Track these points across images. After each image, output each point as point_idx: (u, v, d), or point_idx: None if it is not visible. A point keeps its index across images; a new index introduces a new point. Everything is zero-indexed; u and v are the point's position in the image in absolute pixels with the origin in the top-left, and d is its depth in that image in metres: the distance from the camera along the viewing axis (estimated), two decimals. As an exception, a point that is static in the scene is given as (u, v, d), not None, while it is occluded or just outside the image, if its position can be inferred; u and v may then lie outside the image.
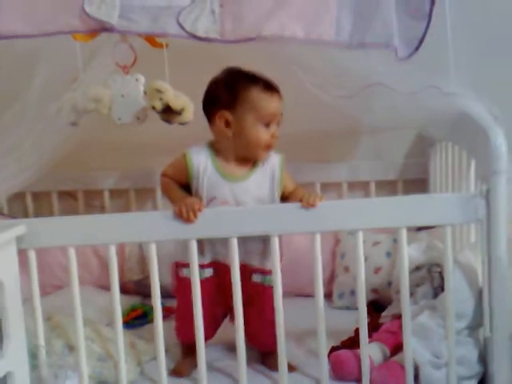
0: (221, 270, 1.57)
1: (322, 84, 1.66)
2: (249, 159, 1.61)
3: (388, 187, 2.35)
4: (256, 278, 1.61)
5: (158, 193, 2.42)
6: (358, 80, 1.62)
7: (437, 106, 1.63)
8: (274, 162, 1.62)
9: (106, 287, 2.18)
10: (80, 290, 1.50)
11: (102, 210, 2.46)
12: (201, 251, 1.57)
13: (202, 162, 1.59)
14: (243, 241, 1.54)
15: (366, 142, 2.39)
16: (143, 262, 2.27)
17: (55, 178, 2.31)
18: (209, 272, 1.61)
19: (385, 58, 1.52)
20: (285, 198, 1.62)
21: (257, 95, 1.55)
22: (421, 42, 1.50)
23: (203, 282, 1.53)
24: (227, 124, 1.57)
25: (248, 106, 1.55)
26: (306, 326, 1.68)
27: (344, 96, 1.64)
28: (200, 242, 1.56)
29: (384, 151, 2.38)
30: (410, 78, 1.58)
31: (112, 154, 2.34)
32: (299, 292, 2.09)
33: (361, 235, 1.44)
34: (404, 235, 1.43)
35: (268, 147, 1.58)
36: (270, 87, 1.57)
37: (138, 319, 2.00)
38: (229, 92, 1.57)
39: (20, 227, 1.41)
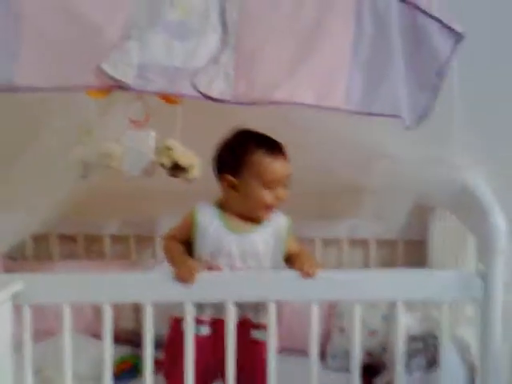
0: (220, 327, 1.54)
1: (328, 150, 1.69)
2: (253, 218, 1.62)
3: (388, 246, 2.37)
4: (253, 333, 1.61)
5: (158, 241, 2.43)
6: (364, 150, 1.65)
7: (439, 178, 1.66)
8: (281, 223, 1.64)
9: (98, 335, 2.17)
10: (72, 339, 1.49)
11: (101, 254, 2.46)
12: (199, 307, 1.56)
13: (208, 215, 1.62)
14: None
15: (366, 200, 2.40)
16: (138, 310, 2.25)
17: (56, 222, 2.31)
18: (205, 330, 1.60)
19: (390, 128, 1.55)
20: (287, 258, 1.63)
21: (260, 160, 1.58)
22: (427, 113, 1.54)
23: (198, 339, 1.52)
24: (232, 186, 1.60)
25: (251, 170, 1.58)
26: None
27: (351, 165, 1.66)
28: None
29: (385, 210, 2.39)
30: (416, 149, 1.61)
31: (114, 201, 2.34)
32: (292, 347, 2.06)
33: (358, 309, 1.45)
34: (401, 309, 1.44)
35: (269, 207, 1.60)
36: (273, 151, 1.59)
37: (126, 373, 1.97)
38: (233, 156, 1.61)
39: (17, 284, 1.40)
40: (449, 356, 1.43)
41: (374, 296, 1.48)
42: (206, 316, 1.59)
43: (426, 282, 1.44)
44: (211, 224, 1.60)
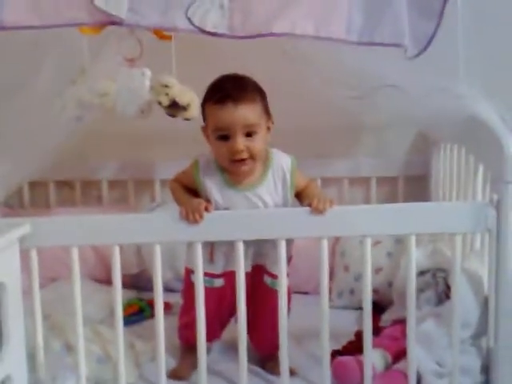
0: (233, 278, 1.50)
1: (331, 82, 1.63)
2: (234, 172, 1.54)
3: (389, 184, 2.34)
4: (266, 279, 1.59)
5: (157, 184, 2.40)
6: (368, 81, 1.59)
7: (446, 109, 1.61)
8: (284, 164, 1.57)
9: (101, 280, 2.18)
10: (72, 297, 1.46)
11: (99, 200, 2.43)
12: (210, 259, 1.54)
13: (209, 176, 1.55)
14: (258, 243, 1.53)
15: (367, 137, 2.38)
16: (140, 255, 2.24)
17: (53, 168, 2.26)
18: (219, 282, 1.58)
19: (395, 58, 1.49)
20: (296, 195, 1.59)
21: (209, 109, 1.50)
22: (430, 41, 1.48)
23: (212, 291, 1.51)
24: (207, 139, 1.54)
25: (207, 121, 1.53)
26: (305, 325, 1.66)
27: (354, 97, 1.61)
28: (210, 250, 1.54)
29: (385, 147, 2.36)
30: (420, 79, 1.56)
31: (111, 145, 2.30)
32: (297, 289, 2.07)
33: (369, 242, 1.42)
34: (413, 243, 1.41)
35: (235, 161, 1.48)
36: (222, 97, 1.46)
37: (134, 315, 1.96)
38: (202, 108, 1.55)
39: (25, 227, 1.37)
40: (461, 288, 1.42)
41: (385, 230, 1.45)
42: (218, 270, 1.57)
43: (439, 215, 1.41)
44: (214, 185, 1.54)
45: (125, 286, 2.14)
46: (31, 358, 1.44)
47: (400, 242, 2.02)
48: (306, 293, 2.12)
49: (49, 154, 1.93)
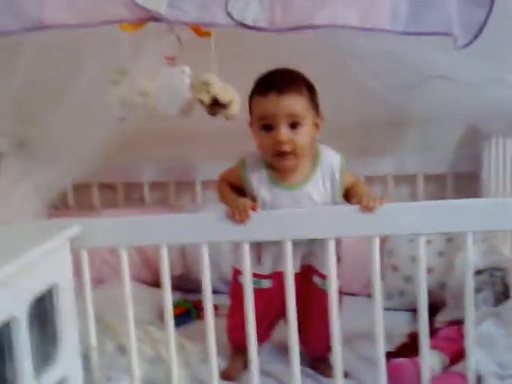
0: (282, 278, 1.46)
1: (377, 75, 1.58)
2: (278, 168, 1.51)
3: (436, 181, 2.26)
4: (316, 280, 1.55)
5: (198, 186, 2.39)
6: (418, 71, 1.53)
7: (499, 100, 1.53)
8: (333, 162, 1.52)
9: (146, 282, 2.18)
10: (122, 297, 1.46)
11: (141, 202, 2.43)
12: (258, 260, 1.52)
13: (256, 174, 1.52)
14: (308, 243, 1.49)
15: (413, 133, 2.29)
16: (184, 256, 2.24)
17: (95, 170, 2.28)
18: (267, 283, 1.55)
19: (445, 48, 1.43)
20: (344, 194, 1.54)
21: (254, 100, 1.48)
22: (481, 29, 1.41)
23: (260, 292, 1.48)
24: (253, 132, 1.51)
25: (251, 112, 1.50)
26: (354, 327, 1.63)
27: (403, 88, 1.55)
28: (257, 251, 1.51)
29: (433, 143, 2.27)
30: (472, 69, 1.50)
31: (152, 146, 2.31)
32: (345, 290, 2.02)
33: (423, 240, 1.36)
34: (470, 241, 1.35)
35: (278, 154, 1.45)
36: (267, 88, 1.44)
37: (180, 317, 1.94)
38: (249, 101, 1.52)
39: (75, 228, 1.37)
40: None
41: (439, 228, 1.37)
42: (267, 271, 1.54)
43: (496, 211, 1.33)
44: (260, 183, 1.51)
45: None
46: (85, 359, 1.44)
47: (451, 240, 1.95)
48: (352, 294, 2.06)
49: (93, 156, 1.93)
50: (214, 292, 1.77)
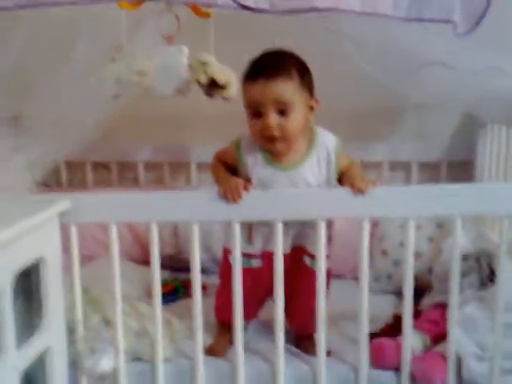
0: (271, 260, 1.48)
1: (375, 60, 1.58)
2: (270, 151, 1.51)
3: (431, 169, 2.28)
4: (306, 259, 1.57)
5: (192, 167, 2.40)
6: (415, 58, 1.53)
7: (496, 88, 1.54)
8: (329, 145, 1.52)
9: (136, 260, 2.20)
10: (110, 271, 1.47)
11: (135, 182, 2.44)
12: (249, 240, 1.53)
13: (251, 154, 1.52)
14: (300, 224, 1.50)
15: (409, 120, 2.31)
16: (176, 236, 2.25)
17: (89, 149, 2.28)
18: (257, 263, 1.56)
19: (443, 34, 1.43)
20: (339, 176, 1.55)
21: (244, 85, 1.47)
22: (481, 17, 1.41)
23: (249, 271, 1.49)
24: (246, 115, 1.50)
25: (243, 96, 1.48)
26: (341, 308, 1.64)
27: (400, 74, 1.55)
28: (248, 231, 1.52)
29: (428, 130, 2.28)
30: (471, 57, 1.50)
31: (147, 127, 2.31)
32: (333, 273, 2.05)
33: (412, 224, 1.37)
34: (459, 225, 1.36)
35: (267, 138, 1.45)
36: (255, 73, 1.43)
37: (168, 295, 1.95)
38: (242, 85, 1.50)
39: (65, 203, 1.38)
40: (506, 272, 1.37)
41: (429, 212, 1.40)
42: (257, 251, 1.55)
43: (486, 196, 1.35)
44: (255, 163, 1.51)
45: (160, 266, 2.18)
46: (70, 331, 1.45)
47: (441, 226, 1.97)
48: (340, 276, 2.08)
49: (85, 133, 1.93)
50: (205, 272, 1.80)
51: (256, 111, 1.43)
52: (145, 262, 2.08)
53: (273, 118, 1.41)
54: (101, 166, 2.45)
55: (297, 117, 1.44)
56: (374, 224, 2.12)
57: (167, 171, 2.42)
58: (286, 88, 1.41)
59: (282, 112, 1.42)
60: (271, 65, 1.43)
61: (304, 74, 1.47)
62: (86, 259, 2.13)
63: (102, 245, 2.13)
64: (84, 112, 1.80)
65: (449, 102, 1.87)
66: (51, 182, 2.40)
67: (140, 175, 2.43)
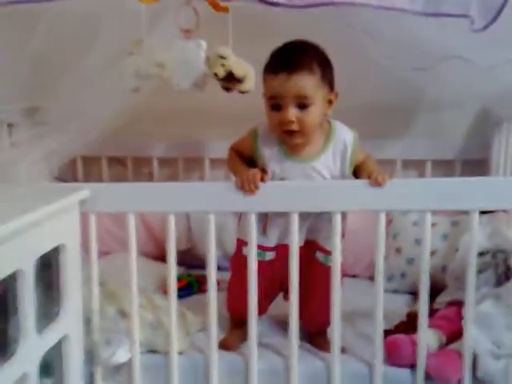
0: (285, 251, 1.49)
1: (392, 55, 1.58)
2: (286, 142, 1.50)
3: (445, 167, 2.26)
4: (319, 255, 1.56)
5: (206, 162, 2.41)
6: (433, 52, 1.53)
7: (509, 80, 1.53)
8: (346, 139, 1.53)
9: (150, 255, 2.21)
10: (125, 258, 1.48)
11: (150, 177, 2.45)
12: (263, 232, 1.53)
13: (267, 145, 1.52)
14: (314, 217, 1.50)
15: (423, 118, 2.28)
16: (190, 232, 2.26)
17: (105, 144, 2.30)
18: (270, 255, 1.56)
19: (460, 29, 1.43)
20: (355, 169, 1.55)
21: (265, 76, 1.47)
22: (499, 12, 1.41)
23: (263, 264, 1.49)
24: (265, 106, 1.50)
25: (264, 89, 1.48)
26: (355, 307, 1.65)
27: (416, 68, 1.55)
28: (263, 223, 1.52)
29: (443, 129, 2.27)
30: (487, 51, 1.50)
31: (162, 123, 2.31)
32: (347, 272, 2.04)
33: (429, 216, 1.37)
34: (476, 219, 1.36)
35: (286, 132, 1.45)
36: (277, 66, 1.43)
37: (182, 290, 1.95)
38: (263, 75, 1.50)
39: (85, 191, 1.40)
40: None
41: (445, 205, 1.39)
42: (271, 243, 1.55)
43: (503, 190, 1.34)
44: (271, 154, 1.51)
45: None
46: (86, 322, 1.46)
47: (457, 224, 1.97)
48: (354, 276, 2.09)
49: (102, 127, 1.95)
50: (218, 268, 1.79)
51: (275, 104, 1.44)
52: (158, 257, 2.12)
53: (292, 113, 1.42)
54: (116, 161, 2.46)
55: (316, 111, 1.44)
56: (388, 222, 2.12)
57: (181, 167, 2.43)
58: (308, 83, 1.41)
59: (302, 106, 1.42)
60: (293, 58, 1.42)
61: (325, 67, 1.47)
62: (101, 254, 2.16)
63: (118, 240, 2.15)
64: (103, 106, 1.81)
65: (465, 97, 1.86)
66: (67, 177, 2.41)
67: (155, 170, 2.44)
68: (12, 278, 1.15)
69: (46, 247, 1.27)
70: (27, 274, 1.18)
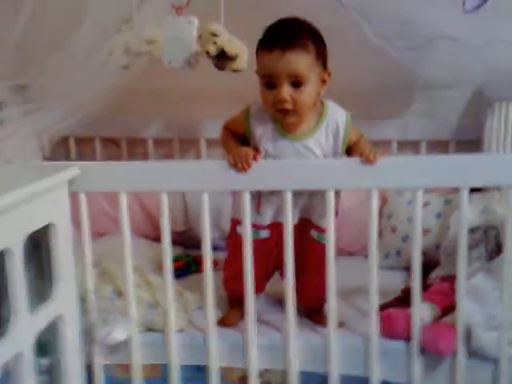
0: (280, 229, 1.49)
1: (385, 34, 1.57)
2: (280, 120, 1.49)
3: (440, 147, 2.26)
4: (313, 234, 1.57)
5: (202, 143, 2.40)
6: (424, 31, 1.52)
7: (506, 62, 1.53)
8: (339, 118, 1.52)
9: (147, 236, 2.21)
10: (122, 241, 1.48)
11: (144, 158, 2.44)
12: (257, 210, 1.53)
13: (260, 124, 1.51)
14: (307, 196, 1.50)
15: (418, 98, 2.28)
16: (186, 213, 2.26)
17: (98, 124, 2.28)
18: (265, 233, 1.57)
19: (452, 8, 1.42)
20: (348, 150, 1.55)
21: (259, 54, 1.45)
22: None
23: (258, 242, 1.50)
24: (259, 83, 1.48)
25: (257, 66, 1.46)
26: (351, 284, 1.65)
27: (408, 47, 1.54)
28: (257, 201, 1.52)
29: (437, 109, 2.26)
30: (480, 30, 1.49)
31: (157, 103, 2.29)
32: (341, 251, 2.04)
33: (420, 195, 1.38)
34: (466, 196, 1.37)
35: (280, 111, 1.44)
36: (273, 42, 1.40)
37: (180, 270, 1.96)
38: (256, 52, 1.48)
39: (73, 170, 1.38)
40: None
41: (437, 182, 1.39)
42: (265, 221, 1.56)
43: (495, 167, 1.35)
44: (264, 132, 1.50)
45: (172, 242, 2.19)
46: (82, 301, 1.47)
47: (449, 202, 1.97)
48: (351, 254, 2.10)
49: (94, 107, 1.93)
50: (216, 249, 1.81)
51: (269, 81, 1.42)
52: (156, 239, 2.11)
53: (286, 91, 1.40)
54: (110, 142, 2.44)
55: (310, 90, 1.43)
56: (383, 202, 2.13)
57: (176, 147, 2.41)
58: (302, 61, 1.40)
59: (296, 84, 1.41)
60: (289, 35, 1.41)
61: (320, 46, 1.45)
62: (97, 235, 2.16)
63: (112, 219, 2.14)
64: (93, 83, 1.79)
65: (458, 78, 1.84)
66: (60, 158, 2.40)
67: (149, 151, 2.43)
68: (0, 257, 1.14)
69: (35, 226, 1.25)
70: (16, 252, 1.17)
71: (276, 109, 1.44)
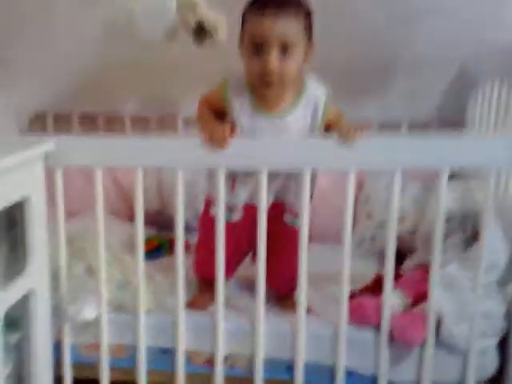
0: (253, 212, 1.45)
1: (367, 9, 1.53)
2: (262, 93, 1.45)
3: (421, 128, 2.22)
4: (287, 217, 1.55)
5: (180, 120, 2.36)
6: (412, 5, 1.47)
7: (494, 38, 1.50)
8: (318, 94, 1.48)
9: (121, 216, 2.18)
10: (95, 218, 1.45)
11: (122, 135, 2.39)
12: (231, 191, 1.50)
13: (238, 98, 1.47)
14: (282, 178, 1.48)
15: (399, 79, 2.23)
16: (162, 193, 2.23)
17: (76, 101, 2.23)
18: (238, 216, 1.54)
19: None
20: (327, 129, 1.52)
21: (249, 16, 1.38)
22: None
23: (230, 225, 1.47)
24: (241, 54, 1.43)
25: (243, 30, 1.40)
26: (323, 271, 1.64)
27: (393, 22, 1.50)
28: (232, 182, 1.49)
29: (419, 90, 2.21)
30: (468, 3, 1.45)
31: (134, 80, 2.23)
32: (316, 238, 2.01)
33: (399, 175, 1.35)
34: (445, 176, 1.34)
35: (264, 82, 1.39)
36: (265, 5, 1.34)
37: (152, 252, 1.95)
38: (242, 18, 1.42)
39: (49, 144, 1.35)
40: (490, 229, 1.35)
41: (416, 163, 1.36)
42: (240, 202, 1.53)
43: (474, 148, 1.33)
44: (242, 107, 1.46)
45: (145, 223, 2.15)
46: (53, 279, 1.44)
47: (427, 189, 1.96)
48: (324, 241, 2.07)
49: (72, 83, 1.88)
50: (189, 230, 1.79)
51: (258, 44, 1.36)
52: (129, 218, 2.08)
53: (274, 59, 1.36)
54: (87, 119, 2.40)
55: (297, 59, 1.39)
56: (359, 187, 2.10)
57: (154, 125, 2.38)
58: (294, 26, 1.36)
59: (284, 51, 1.36)
60: (280, 1, 1.36)
61: (309, 16, 1.41)
62: (71, 216, 2.12)
63: (87, 200, 2.10)
64: (70, 55, 1.74)
65: (442, 55, 1.80)
66: (37, 134, 2.35)
67: (127, 128, 2.39)
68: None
69: (9, 200, 1.23)
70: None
71: (262, 80, 1.40)
